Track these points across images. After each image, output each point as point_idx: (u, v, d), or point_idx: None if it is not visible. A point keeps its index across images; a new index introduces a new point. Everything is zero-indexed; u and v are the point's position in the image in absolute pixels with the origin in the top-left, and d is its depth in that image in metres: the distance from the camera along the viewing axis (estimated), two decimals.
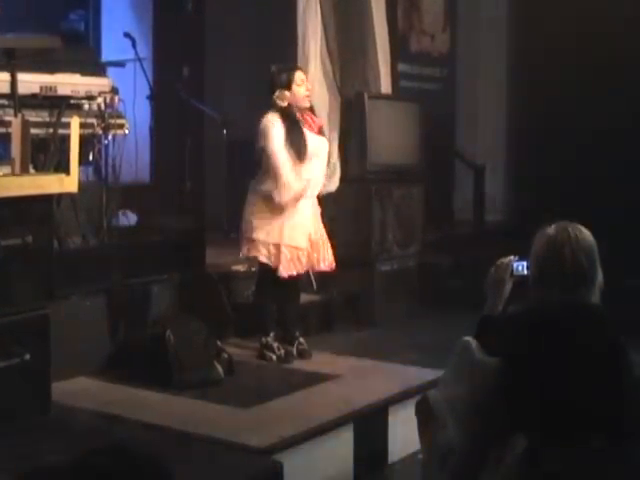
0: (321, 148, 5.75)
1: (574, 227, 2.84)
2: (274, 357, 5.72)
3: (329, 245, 5.80)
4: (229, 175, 7.48)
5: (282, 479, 4.00)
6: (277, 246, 5.58)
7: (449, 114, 9.12)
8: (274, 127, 5.54)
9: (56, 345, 4.49)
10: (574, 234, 2.81)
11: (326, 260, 5.76)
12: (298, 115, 5.66)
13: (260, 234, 5.60)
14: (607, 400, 1.82)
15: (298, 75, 5.70)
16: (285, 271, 5.60)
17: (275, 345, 5.75)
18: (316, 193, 5.79)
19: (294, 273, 5.64)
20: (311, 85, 6.01)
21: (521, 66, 9.09)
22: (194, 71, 8.36)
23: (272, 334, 5.79)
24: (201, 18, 8.57)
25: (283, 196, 5.52)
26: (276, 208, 5.57)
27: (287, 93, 5.61)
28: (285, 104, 5.61)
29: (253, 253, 5.64)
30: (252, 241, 5.62)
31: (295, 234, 5.62)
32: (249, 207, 5.66)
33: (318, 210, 5.84)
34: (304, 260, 5.66)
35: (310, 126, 5.70)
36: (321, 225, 5.82)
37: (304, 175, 5.61)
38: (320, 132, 5.79)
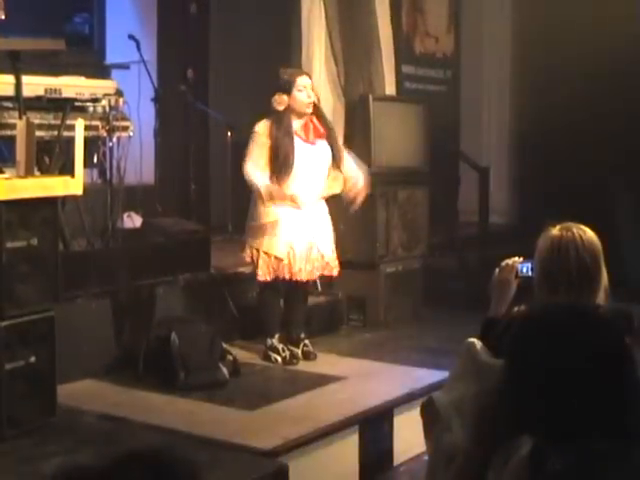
0: (317, 157, 5.62)
1: (578, 228, 2.84)
2: (279, 359, 5.72)
3: (330, 254, 5.71)
4: (233, 177, 7.47)
5: None
6: (258, 251, 5.61)
7: (453, 116, 9.11)
8: (257, 143, 5.51)
9: (61, 347, 4.50)
10: (578, 235, 2.80)
11: (317, 270, 5.67)
12: (297, 122, 5.58)
13: (248, 237, 5.66)
14: (609, 402, 1.83)
15: (300, 80, 5.58)
16: (261, 276, 5.60)
17: (280, 347, 5.76)
18: (315, 202, 5.66)
19: (268, 279, 5.60)
20: (315, 88, 5.92)
21: (525, 68, 9.08)
22: (199, 73, 8.36)
23: (277, 335, 5.80)
24: (205, 20, 8.57)
25: (264, 199, 5.47)
26: (266, 214, 5.56)
27: (285, 97, 5.52)
28: (281, 108, 5.53)
29: (243, 254, 5.69)
30: (243, 243, 5.71)
31: (275, 242, 5.56)
32: (249, 211, 5.70)
33: (324, 218, 5.74)
34: (285, 270, 5.55)
35: (308, 134, 5.60)
36: (325, 234, 5.70)
37: (292, 187, 5.50)
38: (328, 138, 5.67)
